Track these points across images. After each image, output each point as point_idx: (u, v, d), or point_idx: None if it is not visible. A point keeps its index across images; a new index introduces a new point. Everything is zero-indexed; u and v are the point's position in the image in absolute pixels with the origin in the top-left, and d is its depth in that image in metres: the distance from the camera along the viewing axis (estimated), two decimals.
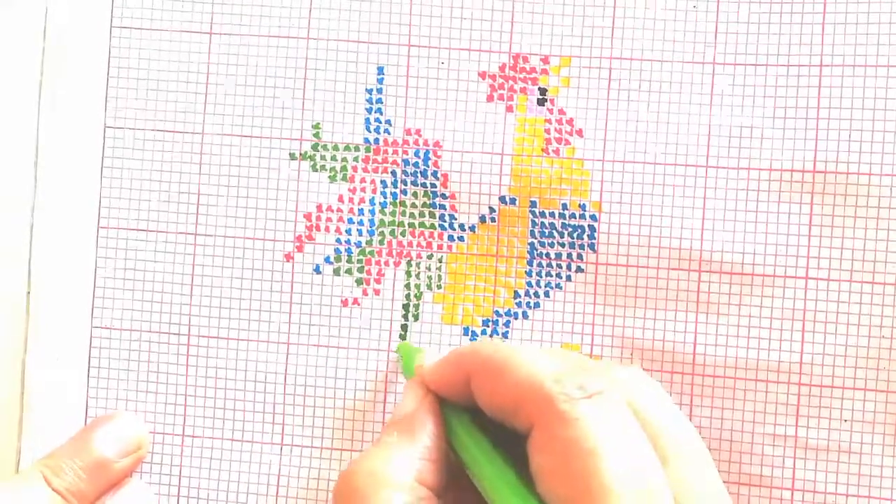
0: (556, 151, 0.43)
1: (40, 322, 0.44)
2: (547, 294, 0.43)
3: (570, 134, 0.43)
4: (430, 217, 0.43)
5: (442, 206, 0.43)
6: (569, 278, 0.43)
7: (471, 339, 0.43)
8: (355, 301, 0.44)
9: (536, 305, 0.43)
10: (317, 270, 0.44)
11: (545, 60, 0.43)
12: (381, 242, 0.44)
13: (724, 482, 0.39)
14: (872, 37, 0.41)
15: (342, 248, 0.44)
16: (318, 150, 0.44)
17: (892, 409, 0.41)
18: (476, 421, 0.33)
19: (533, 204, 0.43)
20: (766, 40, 0.42)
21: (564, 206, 0.42)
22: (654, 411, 0.31)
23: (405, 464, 0.32)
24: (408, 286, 0.43)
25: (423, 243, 0.43)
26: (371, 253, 0.44)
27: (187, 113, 0.44)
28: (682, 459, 0.30)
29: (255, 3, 0.44)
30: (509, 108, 0.43)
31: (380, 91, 0.43)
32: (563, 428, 0.28)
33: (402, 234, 0.43)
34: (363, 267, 0.44)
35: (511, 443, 0.31)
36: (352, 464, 0.33)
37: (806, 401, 0.41)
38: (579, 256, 0.43)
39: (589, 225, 0.42)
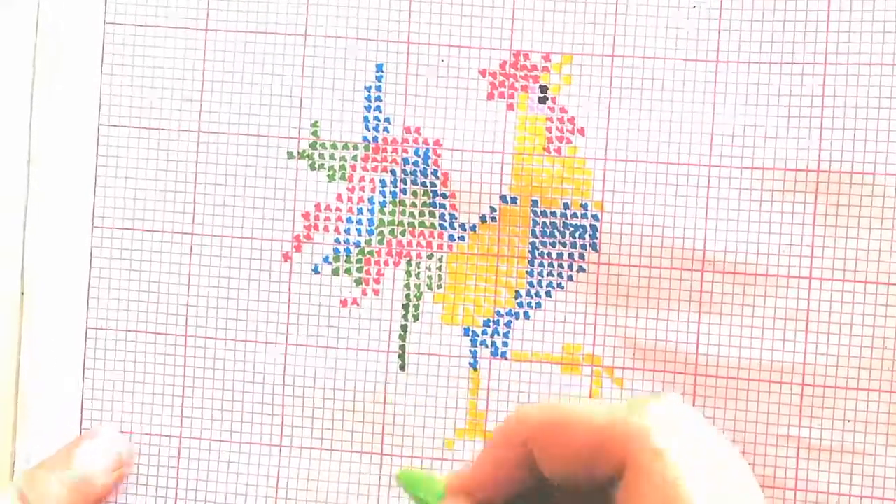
0: (558, 150, 0.42)
1: (34, 322, 0.44)
2: (548, 294, 0.42)
3: (572, 132, 0.42)
4: (431, 216, 0.43)
5: (442, 206, 0.43)
6: (570, 278, 0.42)
7: (471, 340, 0.43)
8: (354, 301, 0.43)
9: (538, 305, 0.43)
10: (315, 270, 0.43)
11: (546, 58, 0.42)
12: (380, 242, 0.43)
13: None
14: (877, 35, 0.41)
15: (341, 248, 0.43)
16: (316, 149, 0.43)
17: (895, 410, 0.41)
18: None
19: (534, 203, 0.42)
20: (770, 38, 0.41)
21: (566, 206, 0.42)
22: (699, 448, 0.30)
23: None
24: (407, 286, 0.43)
25: (423, 243, 0.43)
26: (370, 253, 0.43)
27: (183, 111, 0.43)
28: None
29: None
30: (510, 106, 0.42)
31: (379, 89, 0.43)
32: (662, 462, 0.27)
33: (402, 233, 0.43)
34: (362, 267, 0.43)
35: None
36: None
37: (809, 401, 0.41)
38: (581, 256, 0.42)
39: (591, 224, 0.42)
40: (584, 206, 0.42)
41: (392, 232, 0.43)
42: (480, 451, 0.31)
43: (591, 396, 0.42)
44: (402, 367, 0.43)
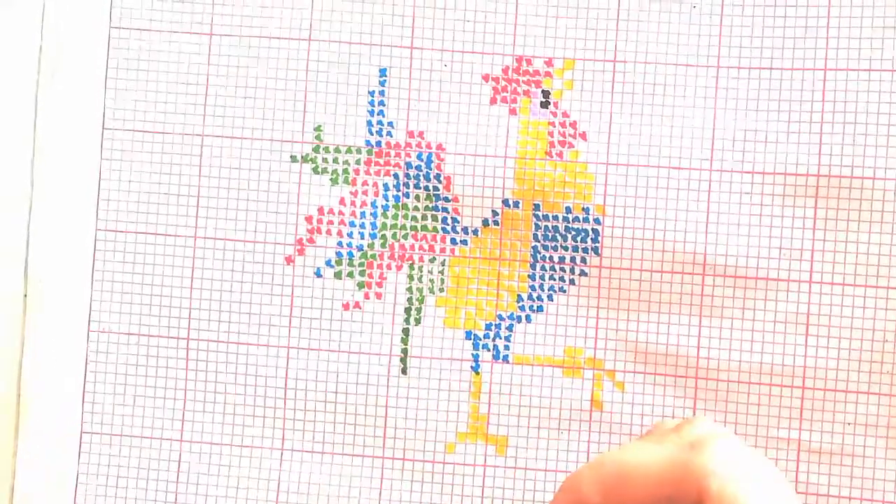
0: (560, 154, 0.42)
1: (37, 324, 0.44)
2: (550, 298, 0.43)
3: (574, 137, 0.42)
4: (433, 220, 0.43)
5: (445, 210, 0.43)
6: (572, 282, 0.43)
7: (473, 343, 0.43)
8: (357, 305, 0.43)
9: (540, 309, 0.43)
10: (318, 274, 0.43)
11: (549, 63, 0.43)
12: (382, 246, 0.43)
13: None
14: (877, 41, 0.41)
15: (343, 252, 0.43)
16: (319, 153, 0.43)
17: (895, 413, 0.41)
18: None
19: (536, 207, 0.42)
20: (771, 44, 0.42)
21: (568, 210, 0.42)
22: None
23: None
24: (410, 290, 0.43)
25: (426, 246, 0.43)
26: (373, 256, 0.43)
27: (187, 115, 0.44)
28: None
29: (255, 4, 0.44)
30: (512, 111, 0.43)
31: (382, 93, 0.43)
32: (737, 489, 0.28)
33: (405, 237, 0.43)
34: (365, 270, 0.43)
35: None
36: None
37: (810, 404, 0.41)
38: (583, 260, 0.42)
39: (593, 228, 0.42)
40: (586, 210, 0.42)
41: (395, 236, 0.43)
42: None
43: (592, 400, 0.42)
44: (403, 371, 0.43)
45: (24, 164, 0.44)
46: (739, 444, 0.30)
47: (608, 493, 0.30)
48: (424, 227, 0.43)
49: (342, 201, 0.43)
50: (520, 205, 0.43)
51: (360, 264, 0.43)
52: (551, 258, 0.43)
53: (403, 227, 0.43)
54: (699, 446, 0.30)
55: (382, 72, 0.43)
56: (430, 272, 0.43)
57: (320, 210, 0.43)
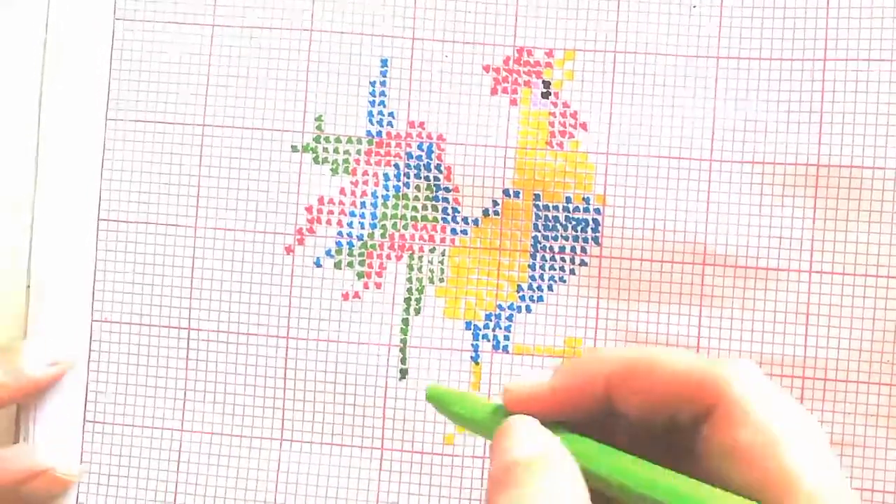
0: (560, 145, 0.43)
1: (40, 316, 0.44)
2: (550, 288, 0.43)
3: (575, 127, 0.43)
4: (433, 210, 0.43)
5: (445, 200, 0.43)
6: (572, 272, 0.43)
7: (473, 334, 0.43)
8: (356, 295, 0.43)
9: (540, 299, 0.43)
10: (317, 264, 0.43)
11: (549, 54, 0.43)
12: (382, 236, 0.43)
13: None
14: (876, 31, 0.41)
15: (343, 241, 0.43)
16: (320, 143, 0.44)
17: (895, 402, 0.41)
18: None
19: (537, 197, 0.43)
20: (770, 34, 0.42)
21: (568, 200, 0.42)
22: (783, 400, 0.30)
23: None
24: (409, 280, 0.43)
25: (426, 237, 0.43)
26: (373, 246, 0.43)
27: (189, 105, 0.44)
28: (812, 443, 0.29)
29: None
30: (513, 102, 0.43)
31: (383, 83, 0.43)
32: (764, 405, 0.27)
33: (405, 227, 0.43)
34: (364, 260, 0.43)
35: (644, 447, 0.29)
36: None
37: (809, 394, 0.41)
38: (583, 250, 0.42)
39: (593, 218, 0.42)
40: (586, 200, 0.42)
41: (395, 226, 0.43)
42: (548, 373, 0.30)
43: None
44: (403, 361, 0.43)
45: (27, 155, 0.44)
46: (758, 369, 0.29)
47: (629, 375, 0.29)
48: (425, 218, 0.43)
49: (342, 191, 0.43)
50: (520, 195, 0.43)
51: (360, 254, 0.43)
52: (551, 248, 0.43)
53: (404, 217, 0.43)
54: (726, 360, 0.29)
55: (383, 62, 0.43)
56: (430, 262, 0.43)
57: (320, 200, 0.43)
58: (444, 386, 0.35)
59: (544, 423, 0.29)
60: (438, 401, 0.31)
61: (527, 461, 0.27)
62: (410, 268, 0.43)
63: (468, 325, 0.43)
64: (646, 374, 0.29)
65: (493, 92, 0.43)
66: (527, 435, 0.28)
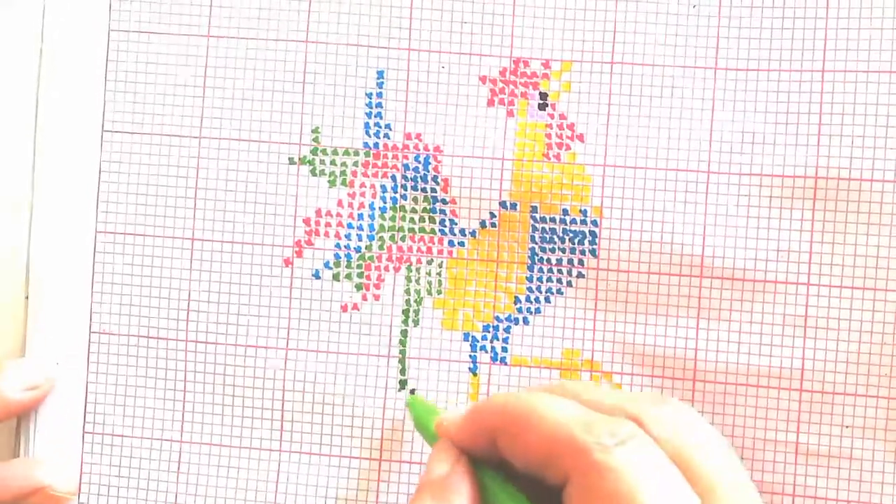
0: (557, 156, 0.42)
1: (38, 327, 0.44)
2: (548, 300, 0.43)
3: (571, 139, 0.42)
4: (431, 222, 0.43)
5: (442, 211, 0.43)
6: (570, 284, 0.43)
7: (471, 345, 0.43)
8: (355, 306, 0.43)
9: (537, 311, 0.43)
10: (316, 276, 0.44)
11: (546, 65, 0.43)
12: (380, 248, 0.43)
13: None
14: (875, 42, 0.41)
15: (342, 254, 0.43)
16: (317, 155, 0.43)
17: (894, 416, 0.41)
18: (509, 478, 0.33)
19: (534, 209, 0.42)
20: (769, 45, 0.42)
21: (565, 212, 0.42)
22: (692, 449, 0.30)
23: None
24: (408, 291, 0.43)
25: (424, 248, 0.43)
26: (371, 258, 0.43)
27: (185, 117, 0.44)
28: (721, 493, 0.29)
29: (253, 6, 0.44)
30: (510, 113, 0.43)
31: (380, 95, 0.43)
32: (601, 479, 0.28)
33: (402, 239, 0.43)
34: (363, 272, 0.43)
35: (545, 496, 0.31)
36: None
37: (807, 407, 0.41)
38: (580, 262, 0.42)
39: (590, 230, 0.42)
40: (584, 212, 0.42)
41: (392, 237, 0.43)
42: (462, 410, 0.34)
43: None
44: (402, 372, 0.43)
45: (24, 167, 0.44)
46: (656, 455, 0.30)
47: (506, 428, 0.31)
48: (422, 229, 0.43)
49: (340, 203, 0.43)
50: (517, 207, 0.43)
51: (358, 266, 0.43)
52: (549, 260, 0.43)
53: (401, 228, 0.43)
54: (604, 420, 0.30)
55: (380, 74, 0.43)
56: (428, 274, 0.43)
57: (318, 212, 0.43)
58: (421, 399, 0.39)
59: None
60: (415, 412, 0.38)
61: (430, 481, 0.33)
62: (408, 279, 0.43)
63: (466, 337, 0.43)
64: (517, 433, 0.31)
65: (490, 103, 0.43)
66: (436, 460, 0.33)
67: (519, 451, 0.31)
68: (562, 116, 0.42)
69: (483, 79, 0.43)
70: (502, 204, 0.43)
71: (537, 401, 0.31)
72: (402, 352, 0.43)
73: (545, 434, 0.30)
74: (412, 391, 0.43)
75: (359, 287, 0.43)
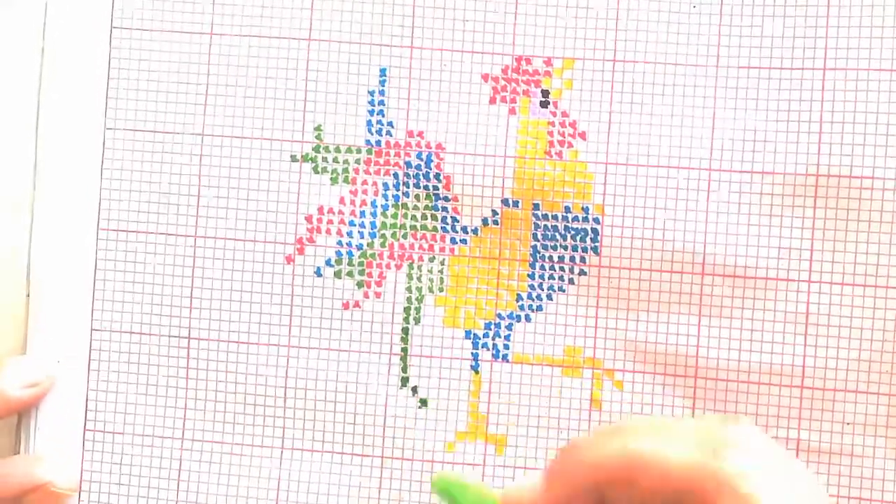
0: (559, 154, 0.43)
1: (40, 325, 0.44)
2: (550, 297, 0.43)
3: (573, 136, 0.43)
4: (433, 220, 0.43)
5: (444, 209, 0.43)
6: (572, 281, 0.43)
7: (473, 343, 0.43)
8: (356, 304, 0.43)
9: (539, 308, 0.43)
10: (318, 273, 0.44)
11: (548, 63, 0.43)
12: (382, 245, 0.43)
13: None
14: (876, 41, 0.41)
15: (343, 251, 0.43)
16: (319, 152, 0.44)
17: (894, 413, 0.41)
18: None
19: (536, 206, 0.43)
20: (770, 43, 0.42)
21: (567, 209, 0.42)
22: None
23: None
24: (409, 289, 0.43)
25: (425, 246, 0.43)
26: (372, 255, 0.43)
27: (187, 114, 0.44)
28: None
29: (255, 4, 0.44)
30: (512, 111, 0.43)
31: (382, 93, 0.43)
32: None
33: (404, 236, 0.43)
34: (364, 270, 0.43)
35: None
36: None
37: (808, 404, 0.41)
38: (582, 259, 0.42)
39: (592, 228, 0.42)
40: (585, 210, 0.42)
41: (394, 235, 0.43)
42: (538, 481, 0.30)
43: (591, 399, 0.42)
44: (404, 370, 0.43)
45: (26, 165, 0.44)
46: (777, 458, 0.29)
47: (619, 479, 0.28)
48: (424, 227, 0.43)
49: (342, 201, 0.43)
50: (519, 204, 0.43)
51: (360, 264, 0.43)
52: (551, 257, 0.43)
53: (403, 226, 0.43)
54: (719, 444, 0.27)
55: (382, 71, 0.43)
56: (430, 271, 0.43)
57: (320, 209, 0.43)
58: (449, 474, 0.35)
59: None
60: (444, 491, 0.32)
61: None
62: (410, 277, 0.43)
63: (468, 334, 0.43)
64: (637, 478, 0.28)
65: (492, 101, 0.43)
66: None
67: (641, 497, 0.29)
68: (564, 114, 0.43)
69: (485, 76, 0.43)
70: (504, 201, 0.43)
71: (641, 437, 0.29)
72: (404, 349, 0.43)
73: (674, 472, 0.28)
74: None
75: (360, 284, 0.43)
